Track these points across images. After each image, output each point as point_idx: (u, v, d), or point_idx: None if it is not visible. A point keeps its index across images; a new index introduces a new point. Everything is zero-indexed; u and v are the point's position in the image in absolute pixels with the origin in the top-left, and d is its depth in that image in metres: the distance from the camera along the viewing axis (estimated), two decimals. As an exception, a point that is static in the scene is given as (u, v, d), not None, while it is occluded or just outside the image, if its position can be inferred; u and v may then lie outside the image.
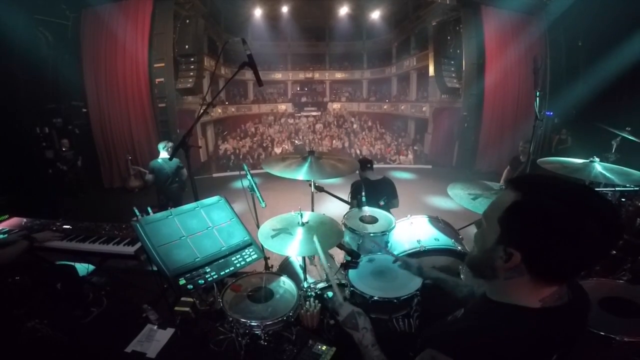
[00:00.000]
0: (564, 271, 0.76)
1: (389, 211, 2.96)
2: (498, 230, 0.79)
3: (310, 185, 2.61)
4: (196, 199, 2.08)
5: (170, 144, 4.50)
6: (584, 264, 0.76)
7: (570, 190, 0.75)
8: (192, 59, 9.27)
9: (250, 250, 1.90)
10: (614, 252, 2.51)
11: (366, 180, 3.46)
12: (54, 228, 2.50)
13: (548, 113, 7.45)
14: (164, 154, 4.39)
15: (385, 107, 15.34)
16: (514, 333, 0.74)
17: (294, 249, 1.86)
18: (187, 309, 1.79)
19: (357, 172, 3.52)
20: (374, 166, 3.67)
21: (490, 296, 0.86)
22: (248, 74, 9.66)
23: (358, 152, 12.61)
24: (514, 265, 0.76)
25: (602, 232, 0.70)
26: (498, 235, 0.79)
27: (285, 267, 2.55)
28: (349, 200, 3.37)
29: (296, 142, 13.51)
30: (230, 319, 1.59)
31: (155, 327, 1.85)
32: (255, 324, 1.55)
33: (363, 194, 2.98)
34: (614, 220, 0.72)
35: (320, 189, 2.98)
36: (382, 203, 3.26)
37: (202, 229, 1.87)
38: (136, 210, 1.99)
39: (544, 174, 0.82)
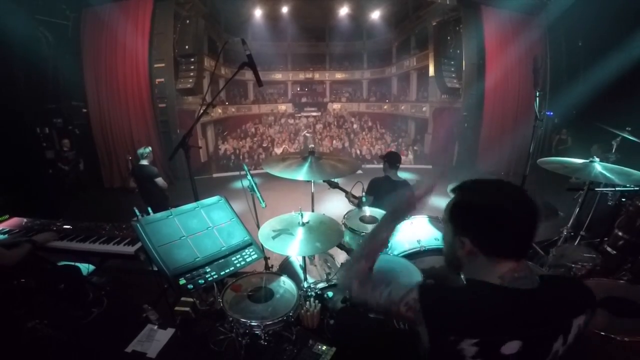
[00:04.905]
0: (505, 245, 0.92)
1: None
2: (451, 227, 1.00)
3: (311, 188, 2.60)
4: (196, 199, 2.08)
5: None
6: (519, 238, 0.93)
7: (487, 185, 0.97)
8: (192, 59, 9.26)
9: (251, 250, 1.91)
10: (614, 252, 2.51)
11: (388, 179, 3.37)
12: (54, 228, 2.50)
13: (548, 113, 7.45)
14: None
15: (385, 107, 15.34)
16: (474, 297, 0.90)
17: (294, 248, 1.87)
18: (187, 309, 1.80)
19: (382, 166, 3.49)
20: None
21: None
22: (248, 74, 9.65)
23: (358, 152, 12.60)
24: (469, 250, 0.94)
25: (520, 211, 0.89)
26: (452, 230, 1.00)
27: (285, 267, 2.55)
28: (364, 195, 3.29)
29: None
30: (230, 319, 1.59)
31: (156, 327, 1.86)
32: (255, 324, 1.56)
33: (363, 194, 2.97)
34: (526, 200, 0.91)
35: (333, 184, 2.98)
36: None
37: (202, 229, 1.87)
38: (136, 210, 2.00)
39: (474, 179, 1.02)
